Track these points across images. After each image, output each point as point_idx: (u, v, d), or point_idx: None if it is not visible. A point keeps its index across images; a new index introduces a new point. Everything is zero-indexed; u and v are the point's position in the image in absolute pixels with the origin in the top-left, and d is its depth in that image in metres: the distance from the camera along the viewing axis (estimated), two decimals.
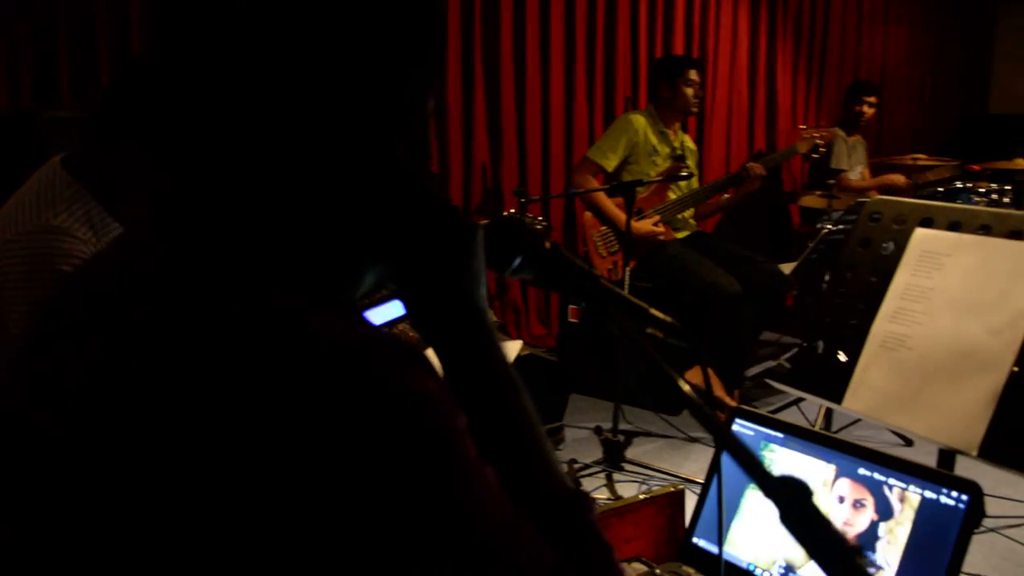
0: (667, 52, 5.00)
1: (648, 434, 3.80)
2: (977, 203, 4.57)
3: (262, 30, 0.60)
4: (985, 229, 1.39)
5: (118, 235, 0.78)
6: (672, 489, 1.60)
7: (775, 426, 1.44)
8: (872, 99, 5.17)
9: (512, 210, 3.61)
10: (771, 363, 4.56)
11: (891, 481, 1.27)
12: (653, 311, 0.90)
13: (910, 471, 1.25)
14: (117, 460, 0.55)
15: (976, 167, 5.28)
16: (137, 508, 0.54)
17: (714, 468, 1.48)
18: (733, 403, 3.89)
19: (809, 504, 0.59)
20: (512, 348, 2.25)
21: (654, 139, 4.11)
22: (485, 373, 0.71)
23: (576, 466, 3.36)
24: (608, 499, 3.16)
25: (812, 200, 4.83)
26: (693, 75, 4.10)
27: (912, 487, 1.24)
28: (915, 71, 6.69)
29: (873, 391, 1.42)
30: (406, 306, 0.73)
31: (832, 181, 4.48)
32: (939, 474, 1.23)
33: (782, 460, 1.40)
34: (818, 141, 4.21)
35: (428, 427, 0.56)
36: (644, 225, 3.96)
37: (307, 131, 0.62)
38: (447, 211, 0.72)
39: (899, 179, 5.02)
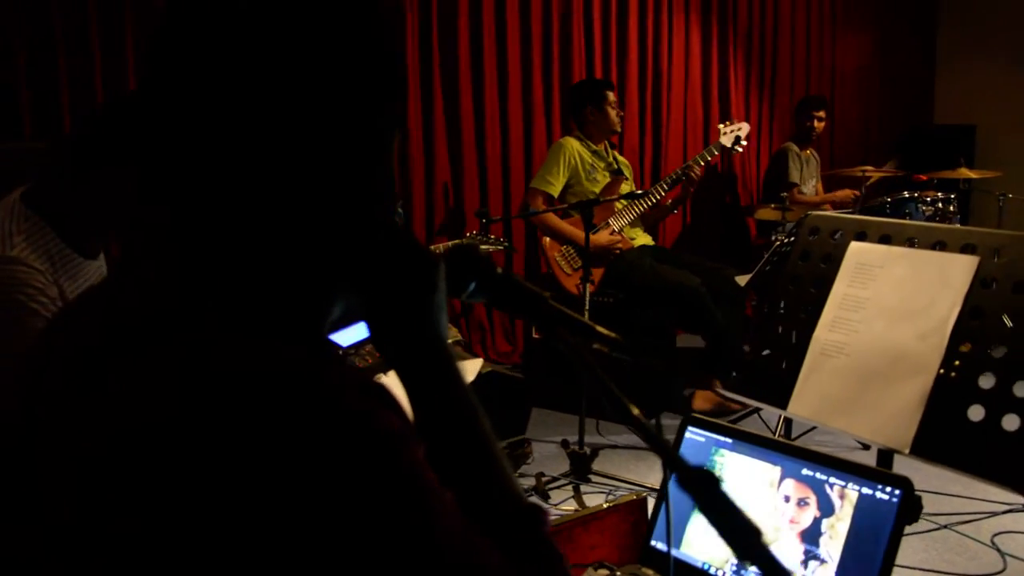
0: (593, 76, 5.14)
1: (614, 446, 3.88)
2: (924, 212, 4.74)
3: (240, 86, 0.67)
4: (911, 241, 1.50)
5: (106, 276, 0.83)
6: (634, 497, 1.67)
7: (724, 432, 1.52)
8: (821, 113, 5.34)
9: (472, 232, 3.70)
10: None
11: (832, 480, 1.35)
12: (599, 328, 0.98)
13: (848, 470, 1.34)
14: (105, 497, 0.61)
15: (923, 177, 5.46)
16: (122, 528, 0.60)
17: (667, 476, 1.56)
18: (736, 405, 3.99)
19: (719, 492, 0.66)
20: (473, 366, 2.32)
21: (590, 158, 4.34)
22: (444, 397, 0.77)
23: (544, 479, 3.42)
24: (576, 510, 3.23)
25: (767, 213, 4.96)
26: (613, 97, 4.40)
27: (851, 484, 1.33)
28: (863, 84, 6.89)
29: (815, 396, 1.51)
30: (371, 334, 0.79)
31: (785, 194, 4.62)
32: (874, 472, 1.32)
33: (732, 464, 1.48)
34: (739, 133, 4.42)
35: (390, 461, 0.61)
36: (601, 237, 4.11)
37: (281, 176, 0.68)
38: (410, 248, 0.78)
39: (848, 194, 5.19)
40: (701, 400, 4.05)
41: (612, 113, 4.36)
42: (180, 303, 0.67)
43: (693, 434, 1.56)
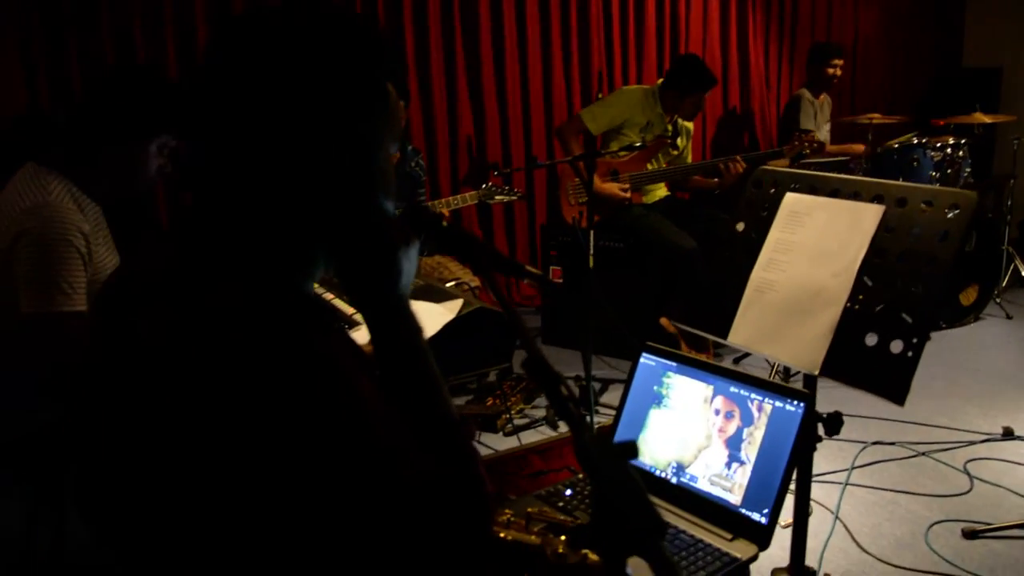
0: (689, 58, 4.90)
1: (622, 381, 4.14)
2: (932, 158, 4.85)
3: (249, 110, 0.95)
4: (835, 192, 1.72)
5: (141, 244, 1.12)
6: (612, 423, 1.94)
7: (672, 358, 1.78)
8: (838, 62, 5.38)
9: (490, 184, 3.92)
10: None
11: (752, 396, 1.61)
12: (528, 268, 1.24)
13: (766, 388, 1.60)
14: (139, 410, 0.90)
15: (940, 122, 5.53)
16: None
17: (624, 397, 1.83)
18: (707, 357, 4.24)
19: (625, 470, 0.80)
20: (452, 306, 2.61)
21: (648, 116, 4.42)
22: (398, 338, 1.04)
23: (552, 411, 3.70)
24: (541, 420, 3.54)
25: (781, 162, 5.11)
26: (700, 97, 4.49)
27: (766, 399, 1.59)
28: (888, 31, 6.90)
29: (750, 327, 1.76)
30: (344, 290, 1.07)
31: (796, 143, 4.74)
32: (785, 389, 1.57)
33: (676, 384, 1.74)
34: (805, 151, 4.52)
35: (321, 372, 0.86)
36: (611, 187, 4.30)
37: (279, 171, 0.95)
38: (379, 227, 1.04)
39: (858, 148, 5.27)
40: (667, 323, 4.28)
41: (686, 104, 4.46)
42: (194, 265, 0.95)
43: (646, 359, 1.82)
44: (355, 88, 0.98)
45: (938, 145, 4.88)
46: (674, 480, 1.69)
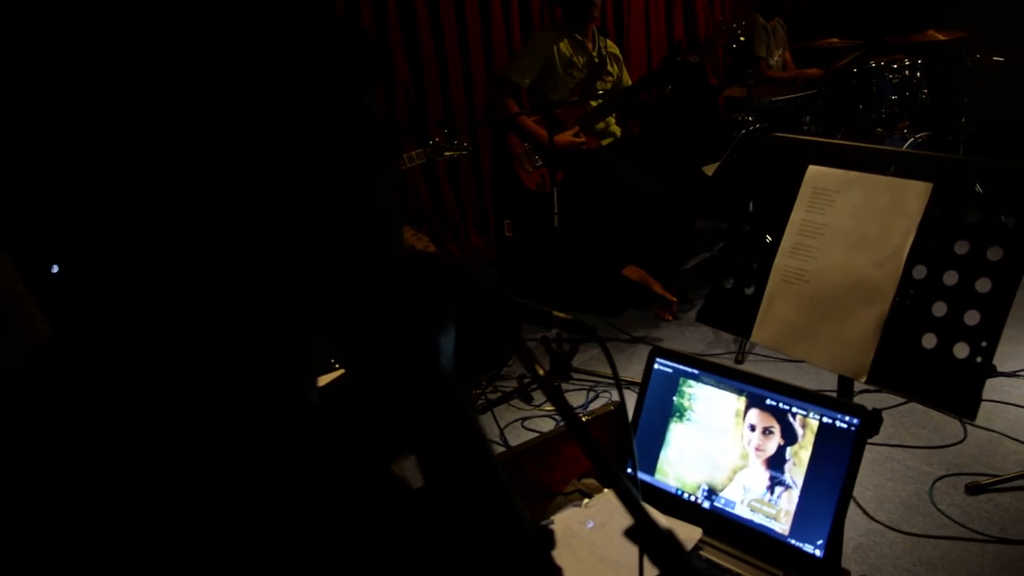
0: None
1: (593, 339, 3.95)
2: (892, 80, 4.69)
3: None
4: (869, 166, 1.50)
5: None
6: (612, 408, 1.72)
7: (691, 363, 1.57)
8: None
9: (436, 139, 3.60)
10: (705, 254, 4.73)
11: (794, 409, 1.41)
12: (556, 313, 1.00)
13: (810, 399, 1.40)
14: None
15: (891, 40, 5.36)
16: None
17: (638, 409, 1.62)
18: (672, 298, 4.07)
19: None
20: None
21: (568, 51, 4.12)
22: (448, 439, 0.80)
23: (526, 381, 3.51)
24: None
25: (734, 91, 4.90)
26: None
27: (812, 414, 1.39)
28: None
29: (778, 323, 1.55)
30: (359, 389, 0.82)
31: (749, 71, 4.54)
32: (834, 401, 1.37)
33: (699, 394, 1.54)
34: (737, 31, 4.22)
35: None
36: (564, 137, 4.03)
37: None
38: (397, 294, 0.79)
39: (814, 72, 5.08)
40: (629, 271, 4.10)
41: (585, 5, 4.08)
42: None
43: (661, 365, 1.61)
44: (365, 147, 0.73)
45: (895, 66, 4.71)
46: (706, 505, 1.50)
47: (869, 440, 2.84)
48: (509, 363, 3.72)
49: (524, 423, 3.25)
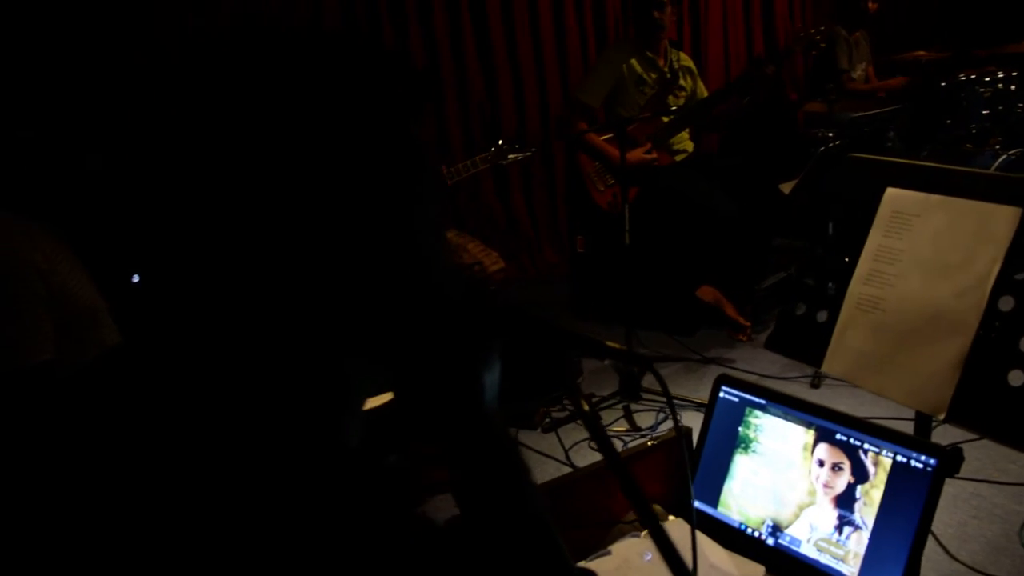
0: None
1: (665, 358, 3.88)
2: (983, 95, 4.48)
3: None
4: (952, 189, 1.41)
5: None
6: (672, 435, 1.67)
7: (758, 393, 1.50)
8: None
9: (500, 142, 3.57)
10: (782, 274, 4.59)
11: (866, 445, 1.34)
12: (608, 343, 0.96)
13: (883, 436, 1.32)
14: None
15: (982, 52, 5.14)
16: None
17: (702, 437, 1.56)
18: (746, 322, 3.96)
19: None
20: None
21: (638, 67, 4.07)
22: (492, 479, 0.78)
23: (595, 399, 3.46)
24: (627, 431, 3.27)
25: (814, 105, 4.75)
26: None
27: (885, 451, 1.31)
28: None
29: (851, 353, 1.48)
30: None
31: (831, 85, 4.38)
32: (909, 439, 1.29)
33: (765, 426, 1.47)
34: (817, 38, 4.05)
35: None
36: (635, 154, 3.96)
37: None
38: (442, 329, 0.77)
39: (898, 82, 4.89)
40: (703, 292, 4.00)
41: (656, 16, 3.99)
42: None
43: (727, 394, 1.55)
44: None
45: (987, 79, 4.50)
46: (770, 542, 1.43)
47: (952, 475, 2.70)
48: (580, 380, 3.67)
49: (591, 443, 3.20)
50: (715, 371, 3.74)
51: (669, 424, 3.29)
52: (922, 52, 4.71)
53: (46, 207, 1.78)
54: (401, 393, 0.76)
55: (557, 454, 3.10)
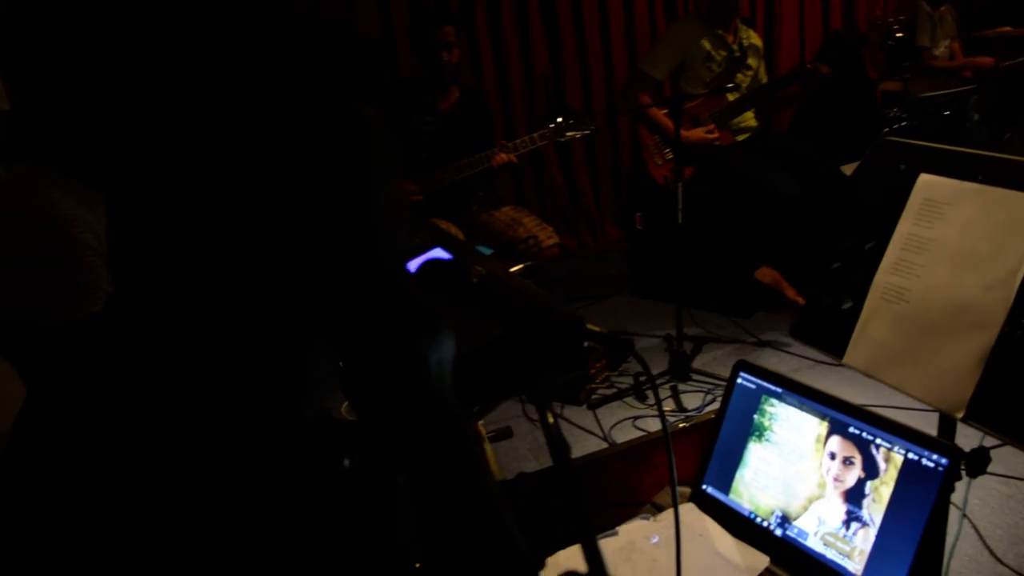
0: None
1: (718, 340, 3.81)
2: None
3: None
4: (989, 177, 1.34)
5: None
6: (712, 416, 1.64)
7: (775, 381, 1.47)
8: None
9: (561, 119, 3.54)
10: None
11: (879, 440, 1.30)
12: (590, 326, 0.96)
13: (896, 432, 1.28)
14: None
15: None
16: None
17: (718, 422, 1.54)
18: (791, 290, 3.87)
19: None
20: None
21: (707, 44, 3.96)
22: (437, 460, 0.78)
23: (641, 378, 3.43)
24: (674, 411, 3.24)
25: (891, 84, 4.56)
26: None
27: (897, 447, 1.27)
28: None
29: (872, 345, 1.42)
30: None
31: (907, 63, 4.19)
32: (923, 437, 1.25)
33: (780, 414, 1.44)
34: (894, 27, 3.89)
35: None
36: (696, 133, 3.89)
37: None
38: (381, 306, 0.78)
39: (985, 61, 4.64)
40: (762, 274, 3.90)
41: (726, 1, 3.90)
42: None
43: (744, 380, 1.52)
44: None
45: None
46: (778, 532, 1.40)
47: (1005, 473, 2.59)
48: (627, 359, 3.64)
49: (635, 422, 3.18)
50: (769, 354, 3.67)
51: (715, 406, 3.25)
52: (1007, 28, 4.45)
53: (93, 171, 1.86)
54: (347, 370, 0.77)
55: (596, 431, 3.10)
